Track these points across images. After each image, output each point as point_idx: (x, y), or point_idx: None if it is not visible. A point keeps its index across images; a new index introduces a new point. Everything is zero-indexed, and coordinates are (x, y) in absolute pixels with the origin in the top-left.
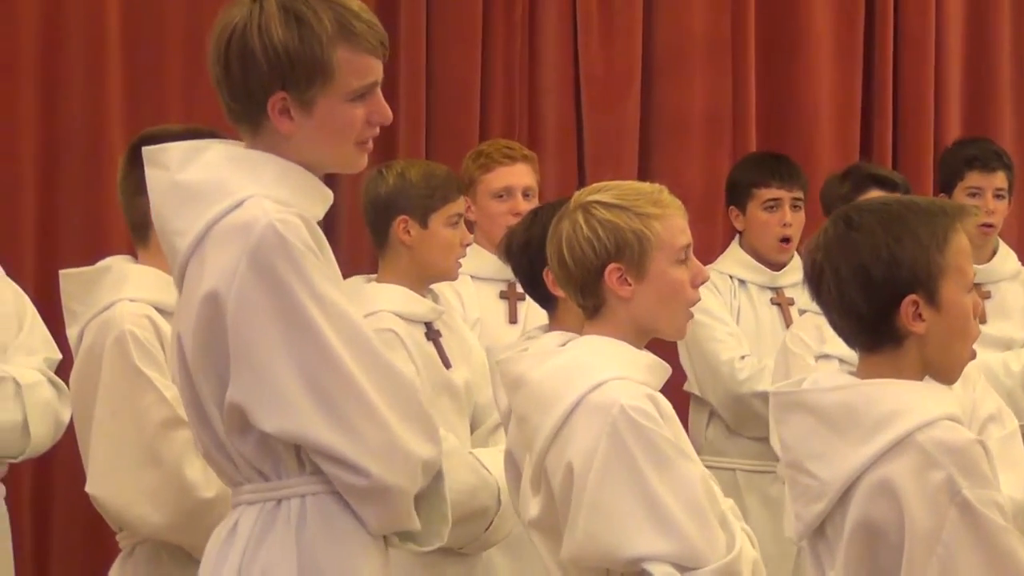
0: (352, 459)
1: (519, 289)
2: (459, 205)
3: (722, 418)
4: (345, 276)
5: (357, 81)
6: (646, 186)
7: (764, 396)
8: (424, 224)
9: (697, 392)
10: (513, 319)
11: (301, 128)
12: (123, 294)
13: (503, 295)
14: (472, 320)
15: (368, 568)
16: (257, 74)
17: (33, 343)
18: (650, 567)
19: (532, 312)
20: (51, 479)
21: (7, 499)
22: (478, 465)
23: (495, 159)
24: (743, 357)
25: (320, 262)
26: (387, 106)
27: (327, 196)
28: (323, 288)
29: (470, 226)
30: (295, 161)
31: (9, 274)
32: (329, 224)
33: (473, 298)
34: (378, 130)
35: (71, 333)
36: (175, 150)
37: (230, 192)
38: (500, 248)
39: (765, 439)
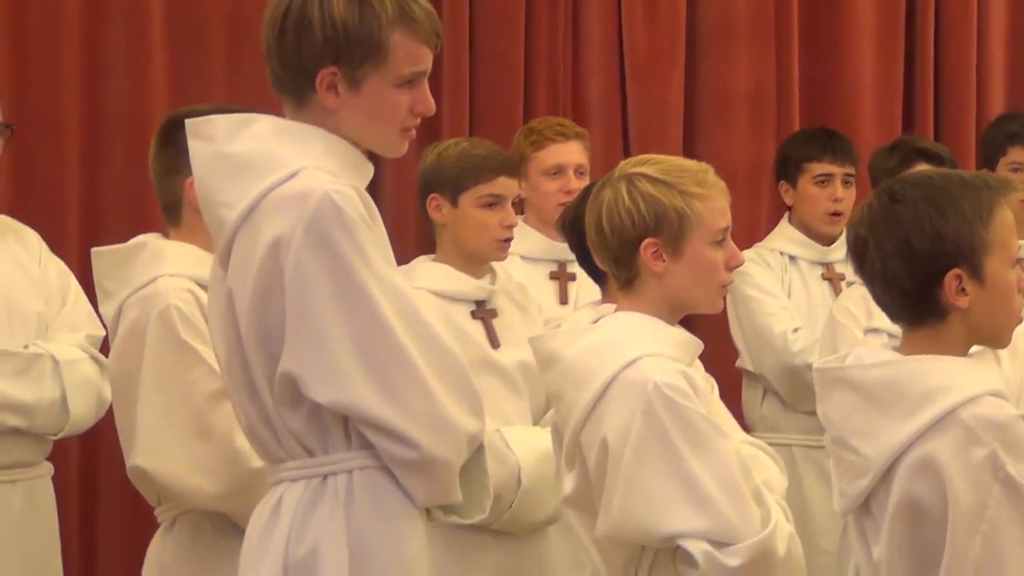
0: (401, 431)
1: (570, 269)
2: (494, 186)
3: (776, 394)
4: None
5: (408, 67)
6: (692, 164)
7: None
8: (455, 203)
9: (750, 368)
10: (564, 299)
11: (346, 105)
12: (163, 270)
13: (553, 275)
14: (534, 300)
15: (415, 542)
16: (311, 45)
17: (76, 319)
18: (685, 544)
19: (583, 292)
20: (97, 456)
21: (53, 477)
22: (499, 443)
23: (547, 136)
24: (796, 330)
25: (373, 234)
26: (431, 98)
27: (369, 170)
28: (377, 260)
29: (520, 205)
30: (338, 133)
31: (53, 251)
32: (374, 200)
33: (523, 279)
34: (419, 120)
35: (105, 310)
36: (221, 121)
37: (282, 164)
38: (557, 223)
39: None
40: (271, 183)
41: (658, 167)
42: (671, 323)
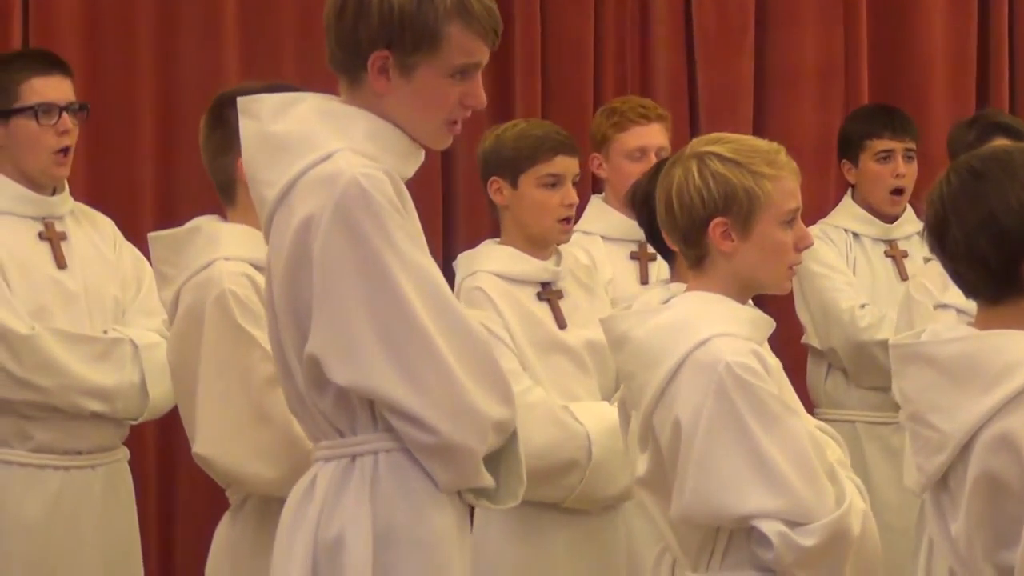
0: (422, 416)
1: (650, 249)
2: (553, 166)
3: (840, 370)
4: (464, 238)
5: (461, 59)
6: (764, 144)
7: (884, 344)
8: (515, 185)
9: (816, 344)
10: (644, 279)
11: (395, 90)
12: (219, 253)
13: (634, 256)
14: (604, 281)
15: (441, 523)
16: (367, 27)
17: (151, 305)
18: (760, 524)
19: (664, 272)
20: (174, 440)
21: (130, 461)
22: (565, 418)
23: (629, 118)
24: (863, 305)
25: (402, 219)
26: (483, 93)
27: (418, 155)
28: (403, 244)
29: (597, 185)
30: (388, 117)
31: (129, 236)
32: (447, 184)
33: (604, 259)
34: (469, 113)
35: (164, 296)
36: (268, 101)
37: (318, 145)
38: (626, 198)
39: (884, 389)
40: (306, 164)
41: (729, 146)
42: (742, 302)
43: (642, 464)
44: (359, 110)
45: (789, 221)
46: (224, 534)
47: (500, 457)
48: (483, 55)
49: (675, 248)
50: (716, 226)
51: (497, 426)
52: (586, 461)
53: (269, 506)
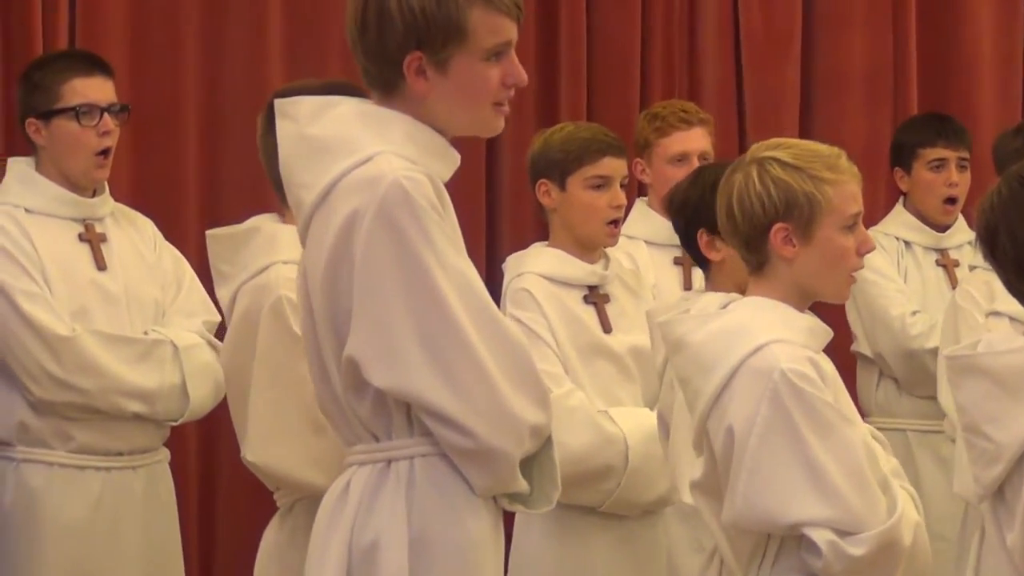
0: (459, 419)
1: None
2: (600, 167)
3: (891, 378)
4: (508, 242)
5: (491, 40)
6: (824, 149)
7: (935, 353)
8: (563, 187)
9: (867, 352)
10: (688, 285)
11: (436, 88)
12: (277, 256)
13: (677, 261)
14: (647, 286)
15: (477, 528)
16: (393, 34)
17: (191, 305)
18: (810, 532)
19: None
20: (216, 442)
21: (171, 462)
22: (604, 423)
23: (671, 123)
24: (914, 313)
25: (442, 222)
26: (522, 68)
27: (454, 158)
28: (444, 247)
29: (643, 188)
30: (430, 120)
31: (173, 236)
32: (491, 187)
33: (647, 263)
34: (513, 92)
35: (221, 294)
36: (306, 103)
37: (359, 148)
38: (663, 202)
39: (935, 397)
40: (346, 167)
41: (790, 151)
42: (800, 309)
43: (697, 468)
44: (397, 113)
45: (850, 226)
46: (272, 537)
47: (534, 461)
48: (512, 32)
49: (715, 257)
50: (777, 231)
51: (533, 430)
52: (623, 466)
53: (316, 510)
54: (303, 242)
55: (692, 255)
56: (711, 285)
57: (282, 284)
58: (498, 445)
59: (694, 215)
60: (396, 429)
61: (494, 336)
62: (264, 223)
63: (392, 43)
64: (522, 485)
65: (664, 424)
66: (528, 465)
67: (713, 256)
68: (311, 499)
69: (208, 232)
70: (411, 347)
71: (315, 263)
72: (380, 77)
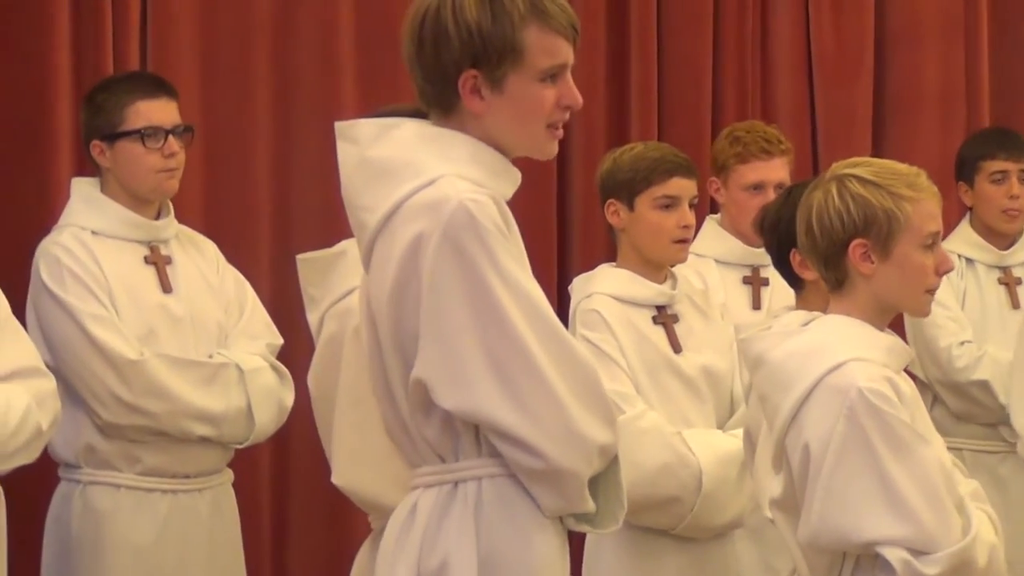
0: (528, 440)
1: (763, 274)
2: (669, 187)
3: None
4: (578, 262)
5: (547, 61)
6: (904, 167)
7: (981, 384)
8: (631, 207)
9: (920, 375)
10: (757, 305)
11: (491, 108)
12: (360, 280)
13: (747, 280)
14: (716, 305)
15: (545, 549)
16: (449, 52)
17: (254, 328)
18: (884, 551)
19: (776, 297)
20: (288, 461)
21: (244, 487)
22: (678, 446)
23: (752, 152)
24: (962, 343)
25: (508, 243)
26: (577, 92)
27: (516, 177)
28: (511, 269)
29: (715, 206)
30: (487, 140)
31: (244, 259)
32: (562, 206)
33: (717, 282)
34: (568, 115)
35: (311, 319)
36: (366, 126)
37: (422, 170)
38: (754, 224)
39: (990, 424)
40: (410, 190)
41: (869, 169)
42: (880, 327)
43: (776, 486)
44: (459, 134)
45: (929, 244)
46: (365, 559)
47: (601, 480)
48: (567, 54)
49: (809, 277)
50: (856, 247)
51: (601, 450)
52: (696, 491)
53: None
54: (365, 265)
55: (784, 276)
56: (803, 304)
57: None
58: (567, 465)
59: (786, 235)
60: (463, 450)
61: (561, 356)
62: (352, 246)
63: (448, 61)
64: (590, 505)
65: (750, 440)
66: (594, 484)
67: (807, 275)
68: None
69: (298, 257)
70: (479, 368)
71: (380, 286)
72: (436, 96)
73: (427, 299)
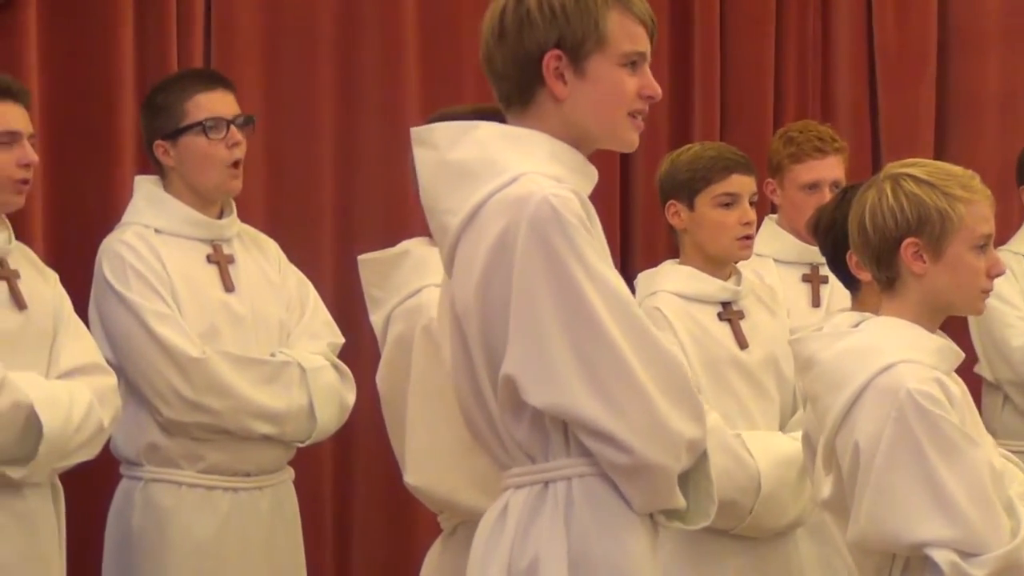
0: (616, 435)
1: (822, 272)
2: (728, 185)
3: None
4: (641, 260)
5: (629, 45)
6: (958, 169)
7: None
8: (691, 207)
9: (988, 377)
10: (816, 303)
11: (575, 91)
12: (427, 280)
13: (806, 278)
14: (782, 302)
15: (636, 547)
16: (533, 34)
17: (316, 327)
18: (932, 552)
19: (836, 295)
20: (351, 458)
21: (307, 486)
22: (738, 449)
23: (806, 151)
24: None
25: (592, 237)
26: (656, 83)
27: (593, 174)
28: (595, 264)
29: (770, 205)
30: (566, 133)
31: (308, 260)
32: (625, 207)
33: (776, 281)
34: (647, 107)
35: (375, 319)
36: (444, 130)
37: (503, 169)
38: (808, 225)
39: None
40: (492, 188)
41: (924, 169)
42: (931, 327)
43: (826, 487)
44: (537, 132)
45: (981, 246)
46: (435, 559)
47: (690, 476)
48: (646, 43)
49: (866, 278)
50: (908, 246)
51: (690, 445)
52: (755, 494)
53: None
54: (448, 267)
55: (840, 277)
56: (859, 306)
57: (434, 306)
58: (656, 460)
59: (842, 235)
60: (553, 450)
61: (648, 351)
62: (414, 246)
63: (532, 42)
64: (680, 501)
65: (809, 442)
66: (684, 480)
67: (863, 276)
68: (473, 522)
69: (360, 257)
70: (566, 365)
71: (465, 286)
72: (518, 85)
73: (515, 296)
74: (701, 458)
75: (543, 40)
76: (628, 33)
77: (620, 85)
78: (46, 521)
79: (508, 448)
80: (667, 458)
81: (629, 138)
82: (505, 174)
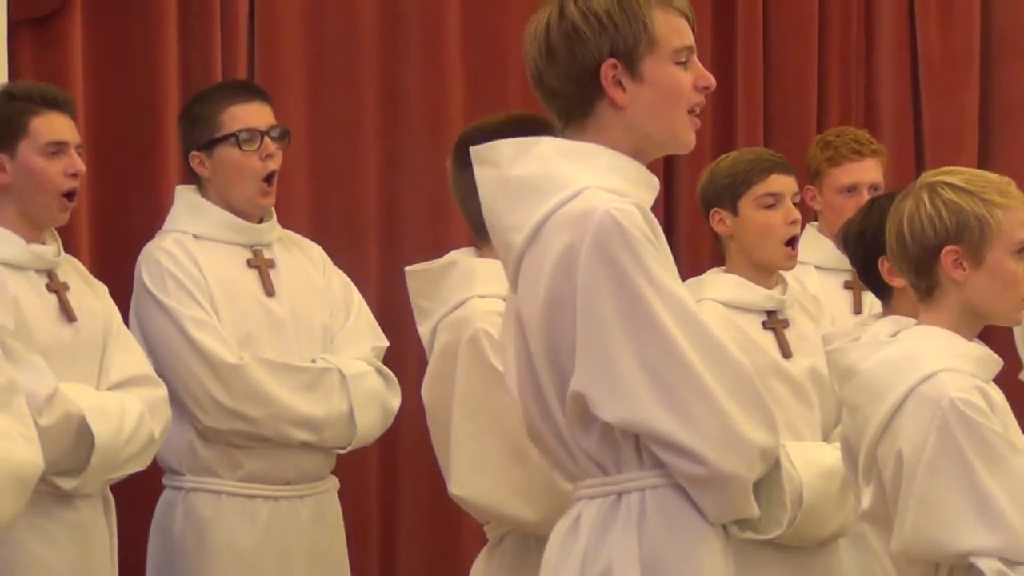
0: (690, 447)
1: None
2: (769, 185)
3: None
4: (685, 268)
5: (678, 40)
6: (994, 176)
7: None
8: (735, 211)
9: None
10: (858, 309)
11: (634, 97)
12: (473, 291)
13: (847, 285)
14: (826, 310)
15: (709, 558)
16: (583, 46)
17: (360, 331)
18: (978, 561)
19: (877, 302)
20: (396, 466)
21: (351, 494)
22: (782, 458)
23: (843, 154)
24: None
25: (656, 250)
26: (708, 72)
27: (654, 184)
28: (661, 276)
29: (813, 213)
30: (627, 140)
31: (353, 265)
32: (669, 220)
33: (818, 289)
34: (704, 99)
35: (422, 330)
36: (505, 147)
37: (565, 184)
38: (837, 237)
39: None
40: (555, 204)
41: (960, 176)
42: (970, 336)
43: (867, 497)
44: (596, 146)
45: (1021, 251)
46: (482, 570)
47: (762, 485)
48: (691, 37)
49: (898, 284)
50: (948, 254)
51: (763, 453)
52: (797, 505)
53: (527, 543)
54: (513, 283)
55: (871, 286)
56: (891, 313)
57: (479, 318)
58: (730, 470)
59: (873, 243)
60: (625, 461)
61: (717, 361)
62: (461, 257)
63: (585, 57)
64: (754, 510)
65: (850, 452)
66: (755, 489)
67: (896, 283)
68: (520, 532)
69: (407, 269)
70: (636, 378)
71: (530, 302)
72: (576, 100)
73: (581, 311)
74: (773, 466)
75: (596, 52)
76: (675, 29)
77: (677, 82)
78: (98, 532)
79: (578, 460)
80: (741, 468)
81: (687, 138)
82: (567, 189)
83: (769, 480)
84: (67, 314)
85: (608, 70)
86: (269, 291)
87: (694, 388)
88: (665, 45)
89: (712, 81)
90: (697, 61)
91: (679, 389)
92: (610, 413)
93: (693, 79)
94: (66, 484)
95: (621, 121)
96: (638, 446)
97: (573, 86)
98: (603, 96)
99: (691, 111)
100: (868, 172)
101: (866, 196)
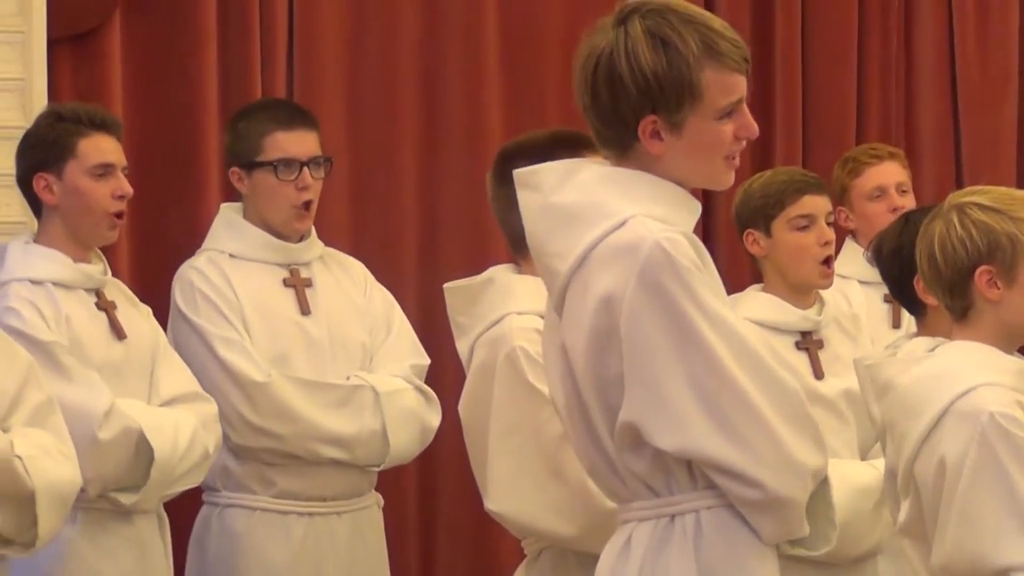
0: (747, 472)
1: None
2: (802, 207)
3: None
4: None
5: (724, 99)
6: (1020, 192)
7: None
8: (768, 232)
9: None
10: (896, 323)
11: (671, 149)
12: (510, 307)
13: (887, 298)
14: (865, 329)
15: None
16: (627, 99)
17: (400, 349)
18: None
19: None
20: (434, 484)
21: (390, 510)
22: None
23: (862, 161)
24: None
25: (705, 277)
26: (753, 121)
27: (696, 208)
28: (711, 303)
29: (851, 233)
30: (666, 176)
31: (392, 283)
32: (707, 236)
33: (862, 303)
34: (744, 144)
35: (460, 347)
36: (548, 172)
37: (610, 212)
38: (869, 251)
39: None
40: (601, 233)
41: (987, 196)
42: (1008, 352)
43: (903, 512)
44: (638, 172)
45: None
46: None
47: (811, 502)
48: (742, 87)
49: (932, 302)
50: (982, 274)
51: (815, 474)
52: None
53: (565, 558)
54: (558, 309)
55: (905, 303)
56: (925, 331)
57: (517, 335)
58: (786, 494)
59: (909, 260)
60: (677, 484)
61: (768, 384)
62: (499, 274)
63: (626, 108)
64: (806, 529)
65: (891, 471)
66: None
67: (931, 301)
68: (557, 547)
69: (445, 285)
70: (688, 406)
71: (576, 332)
72: (615, 139)
73: (629, 342)
74: (822, 484)
75: (637, 107)
76: (723, 87)
77: (717, 138)
78: (155, 549)
79: (628, 483)
80: (797, 491)
81: (724, 180)
82: (613, 218)
83: (817, 497)
84: (117, 332)
85: (647, 125)
86: (305, 310)
87: (747, 413)
88: (710, 104)
89: (754, 131)
90: (745, 109)
91: (733, 415)
92: (665, 442)
93: (735, 128)
94: (126, 499)
95: (656, 165)
96: (691, 469)
97: (611, 131)
98: (639, 141)
99: (730, 156)
100: (891, 173)
101: (895, 196)
